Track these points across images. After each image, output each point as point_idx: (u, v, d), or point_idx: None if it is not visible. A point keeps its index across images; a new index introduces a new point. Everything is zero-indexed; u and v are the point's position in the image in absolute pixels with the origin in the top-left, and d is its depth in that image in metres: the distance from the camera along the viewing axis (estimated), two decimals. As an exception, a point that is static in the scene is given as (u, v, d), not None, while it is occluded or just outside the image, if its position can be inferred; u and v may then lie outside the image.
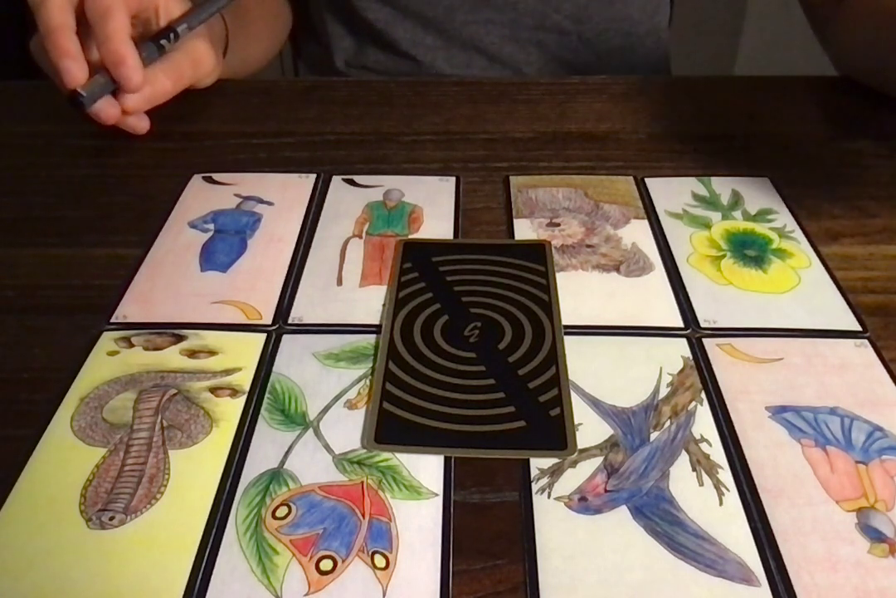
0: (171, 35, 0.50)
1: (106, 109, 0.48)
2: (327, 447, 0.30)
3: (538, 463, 0.30)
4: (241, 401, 0.32)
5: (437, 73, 0.71)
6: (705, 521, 0.27)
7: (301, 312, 0.37)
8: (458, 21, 0.68)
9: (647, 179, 0.47)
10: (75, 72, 0.45)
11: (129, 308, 0.37)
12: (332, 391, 0.33)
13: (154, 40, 0.50)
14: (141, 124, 0.51)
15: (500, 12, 0.68)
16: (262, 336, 0.35)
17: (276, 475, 0.29)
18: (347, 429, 0.31)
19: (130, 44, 0.46)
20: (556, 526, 0.27)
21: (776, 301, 0.37)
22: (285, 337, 0.35)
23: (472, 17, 0.68)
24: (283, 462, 0.30)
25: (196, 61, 0.52)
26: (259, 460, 0.30)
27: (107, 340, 0.35)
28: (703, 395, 0.32)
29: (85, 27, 0.47)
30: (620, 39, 0.72)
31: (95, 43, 0.47)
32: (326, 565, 0.26)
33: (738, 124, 0.53)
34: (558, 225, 0.43)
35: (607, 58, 0.72)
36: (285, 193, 0.46)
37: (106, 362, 0.34)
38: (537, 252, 0.40)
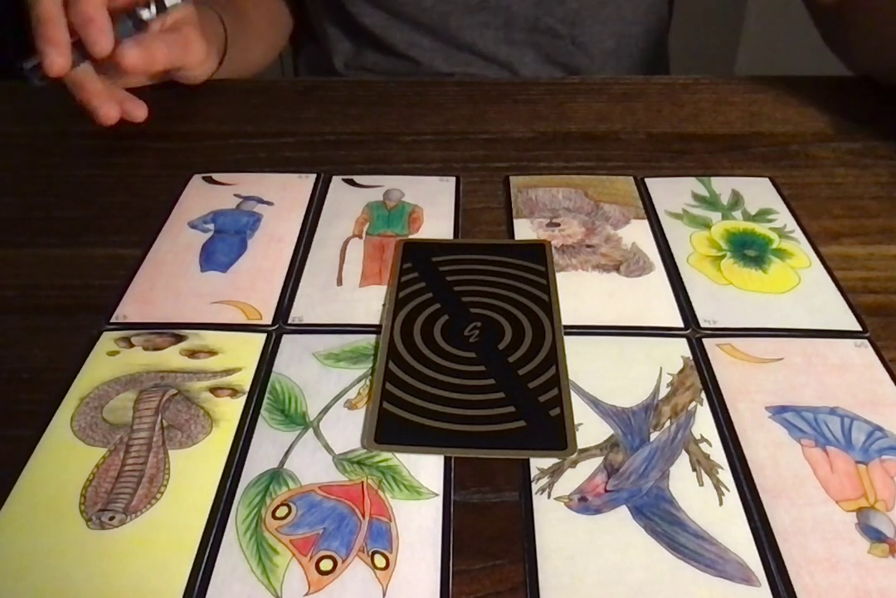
0: (153, 3, 0.48)
1: (106, 111, 0.48)
2: (327, 447, 0.30)
3: (538, 463, 0.30)
4: (241, 401, 0.32)
5: (436, 72, 0.71)
6: (705, 521, 0.27)
7: (301, 312, 0.37)
8: (452, 26, 0.69)
9: (647, 179, 0.47)
10: (54, 57, 0.44)
11: (129, 308, 0.37)
12: (332, 391, 0.33)
13: (131, 14, 0.48)
14: (137, 112, 0.50)
15: (494, 16, 0.68)
16: (262, 336, 0.35)
17: (276, 475, 0.29)
18: (347, 429, 0.31)
19: (102, 8, 0.45)
20: (556, 526, 0.27)
21: (776, 301, 0.37)
22: (285, 337, 0.35)
23: (467, 21, 0.68)
24: (283, 462, 0.30)
25: (186, 44, 0.52)
26: (259, 460, 0.30)
27: (107, 340, 0.35)
28: (703, 395, 0.32)
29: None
30: (614, 41, 0.72)
31: (67, 10, 0.45)
32: (326, 565, 0.26)
33: (738, 124, 0.53)
34: (558, 225, 0.43)
35: (601, 60, 0.72)
36: (285, 193, 0.46)
37: (106, 362, 0.34)
38: (537, 252, 0.40)
